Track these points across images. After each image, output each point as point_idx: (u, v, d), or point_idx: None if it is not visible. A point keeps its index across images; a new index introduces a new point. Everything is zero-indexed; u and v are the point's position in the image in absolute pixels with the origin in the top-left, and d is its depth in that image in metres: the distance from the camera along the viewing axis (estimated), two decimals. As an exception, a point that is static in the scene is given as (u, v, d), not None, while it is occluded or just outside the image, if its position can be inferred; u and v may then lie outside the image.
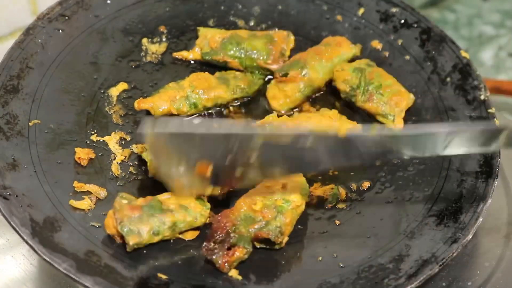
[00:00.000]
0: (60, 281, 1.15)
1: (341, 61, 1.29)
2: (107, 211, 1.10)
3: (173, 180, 1.07)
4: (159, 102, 1.22)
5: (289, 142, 1.04)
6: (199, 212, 1.09)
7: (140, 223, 1.05)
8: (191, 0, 1.39)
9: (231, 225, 1.05)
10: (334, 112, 1.23)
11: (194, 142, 1.04)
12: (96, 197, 1.12)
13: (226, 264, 1.04)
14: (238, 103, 1.28)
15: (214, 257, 1.04)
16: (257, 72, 1.30)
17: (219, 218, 1.07)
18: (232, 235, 1.05)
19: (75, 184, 1.13)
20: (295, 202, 1.09)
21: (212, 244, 1.05)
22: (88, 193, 1.12)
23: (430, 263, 1.06)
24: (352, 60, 1.31)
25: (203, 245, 1.05)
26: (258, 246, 1.08)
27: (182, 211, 1.08)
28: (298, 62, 1.28)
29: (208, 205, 1.10)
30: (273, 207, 1.07)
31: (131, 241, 1.04)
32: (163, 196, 1.09)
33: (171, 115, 1.23)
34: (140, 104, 1.22)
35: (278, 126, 1.13)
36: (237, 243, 1.04)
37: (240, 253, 1.05)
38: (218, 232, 1.05)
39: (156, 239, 1.06)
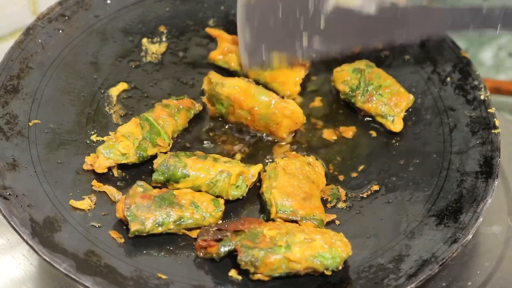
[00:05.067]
0: (60, 281, 1.15)
1: None
2: (107, 211, 1.11)
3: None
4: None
5: (357, 7, 1.19)
6: (210, 212, 1.09)
7: (146, 212, 1.07)
8: (191, 0, 1.39)
9: (240, 229, 1.05)
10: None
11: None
12: (96, 197, 1.12)
13: (200, 248, 1.05)
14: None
15: (200, 237, 1.05)
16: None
17: (245, 218, 1.08)
18: (228, 234, 1.05)
19: (94, 183, 1.13)
20: (291, 254, 1.02)
21: (212, 229, 1.06)
22: (89, 193, 1.12)
23: (430, 263, 1.06)
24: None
25: (209, 225, 1.08)
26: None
27: (191, 208, 1.08)
28: None
29: (222, 207, 1.11)
30: (273, 243, 1.04)
31: (133, 227, 1.06)
32: (180, 191, 1.11)
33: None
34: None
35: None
36: (221, 241, 1.04)
37: (213, 249, 1.05)
38: (227, 226, 1.06)
39: (160, 230, 1.07)
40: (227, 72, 1.29)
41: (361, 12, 1.21)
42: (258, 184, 1.17)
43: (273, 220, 1.10)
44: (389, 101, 1.24)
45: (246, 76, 1.28)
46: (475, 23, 1.19)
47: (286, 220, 1.10)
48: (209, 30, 1.33)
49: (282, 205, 1.10)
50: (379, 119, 1.25)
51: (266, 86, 1.25)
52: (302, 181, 1.14)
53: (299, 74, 1.28)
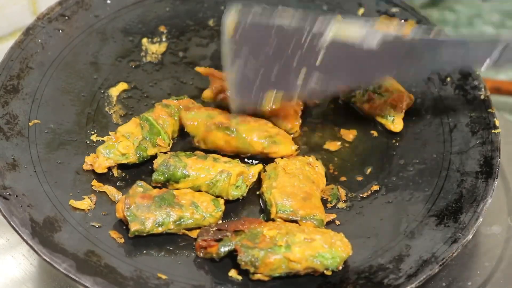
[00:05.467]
0: (60, 281, 1.15)
1: None
2: (107, 211, 1.11)
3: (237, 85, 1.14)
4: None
5: (357, 41, 1.09)
6: (210, 212, 1.09)
7: (146, 212, 1.07)
8: (191, 0, 1.39)
9: (240, 229, 1.05)
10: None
11: (270, 34, 1.12)
12: (96, 197, 1.12)
13: (200, 248, 1.05)
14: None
15: (200, 237, 1.06)
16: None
17: (245, 218, 1.08)
18: (228, 234, 1.05)
19: (94, 183, 1.13)
20: (291, 254, 1.02)
21: (212, 229, 1.06)
22: (89, 193, 1.12)
23: (430, 263, 1.06)
24: None
25: (209, 225, 1.08)
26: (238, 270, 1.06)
27: (191, 208, 1.08)
28: None
29: (222, 207, 1.11)
30: (273, 243, 1.03)
31: (133, 227, 1.06)
32: (180, 191, 1.11)
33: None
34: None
35: (347, 27, 1.12)
36: (221, 241, 1.05)
37: (213, 249, 1.05)
38: (227, 226, 1.06)
39: (160, 230, 1.07)
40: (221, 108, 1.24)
41: (362, 46, 1.11)
42: (259, 185, 1.17)
43: (273, 220, 1.10)
44: (389, 101, 1.24)
45: None
46: (492, 57, 1.10)
47: (286, 220, 1.10)
48: (199, 69, 1.29)
49: (282, 205, 1.10)
50: (379, 119, 1.25)
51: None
52: (302, 181, 1.14)
53: (298, 106, 1.24)
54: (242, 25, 1.12)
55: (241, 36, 1.13)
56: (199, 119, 1.18)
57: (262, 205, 1.15)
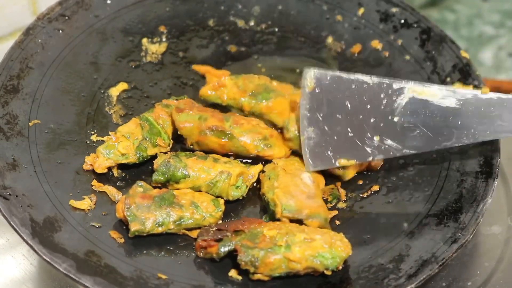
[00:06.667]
0: (60, 281, 1.16)
1: None
2: (107, 211, 1.11)
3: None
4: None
5: (438, 98, 1.10)
6: (210, 212, 1.09)
7: (146, 212, 1.07)
8: (191, 0, 1.39)
9: (240, 229, 1.05)
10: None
11: (350, 87, 1.13)
12: (96, 197, 1.12)
13: (200, 248, 1.05)
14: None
15: (200, 237, 1.06)
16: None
17: (245, 218, 1.08)
18: (228, 234, 1.05)
19: (94, 183, 1.13)
20: (291, 254, 1.03)
21: (212, 229, 1.06)
22: (89, 193, 1.12)
23: (430, 263, 1.06)
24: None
25: (209, 225, 1.08)
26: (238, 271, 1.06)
27: (191, 208, 1.09)
28: None
29: (222, 207, 1.11)
30: (273, 243, 1.03)
31: (133, 227, 1.06)
32: (180, 191, 1.12)
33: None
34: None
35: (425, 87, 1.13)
36: (221, 241, 1.05)
37: (213, 249, 1.05)
38: (227, 226, 1.06)
39: (160, 230, 1.07)
40: (220, 107, 1.24)
41: (440, 104, 1.12)
42: (258, 185, 1.17)
43: (278, 220, 1.10)
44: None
45: (240, 109, 1.23)
46: None
47: (292, 219, 1.10)
48: (196, 67, 1.29)
49: (286, 204, 1.10)
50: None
51: (263, 118, 1.22)
52: (303, 180, 1.14)
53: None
54: (323, 79, 1.13)
55: (322, 89, 1.13)
56: (192, 122, 1.17)
57: (263, 206, 1.15)
